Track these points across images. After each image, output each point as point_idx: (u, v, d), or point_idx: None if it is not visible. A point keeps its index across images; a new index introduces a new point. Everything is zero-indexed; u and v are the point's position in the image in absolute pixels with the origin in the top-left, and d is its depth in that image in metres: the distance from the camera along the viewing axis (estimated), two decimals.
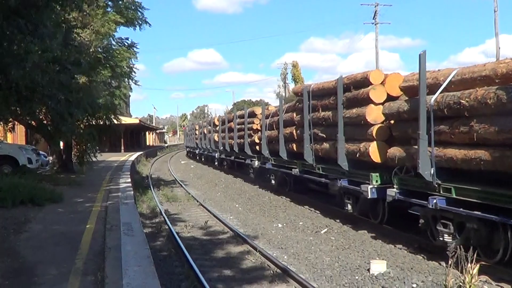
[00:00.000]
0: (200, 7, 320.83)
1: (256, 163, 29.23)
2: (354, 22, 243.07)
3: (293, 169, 22.38)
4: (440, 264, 11.82)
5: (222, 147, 40.24)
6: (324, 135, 18.60)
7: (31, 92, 16.86)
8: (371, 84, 15.55)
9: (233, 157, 37.28)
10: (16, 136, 38.58)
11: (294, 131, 21.77)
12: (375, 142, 15.14)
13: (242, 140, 32.79)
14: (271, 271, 11.94)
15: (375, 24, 57.98)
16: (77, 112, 21.09)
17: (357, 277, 11.45)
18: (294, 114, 21.78)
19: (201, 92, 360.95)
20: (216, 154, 43.76)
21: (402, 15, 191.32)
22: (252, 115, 31.21)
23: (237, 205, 23.10)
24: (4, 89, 15.75)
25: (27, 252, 10.75)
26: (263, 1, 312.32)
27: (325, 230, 16.60)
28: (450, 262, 10.09)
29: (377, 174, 15.03)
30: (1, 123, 23.61)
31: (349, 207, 17.08)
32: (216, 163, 45.13)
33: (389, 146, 14.61)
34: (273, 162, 26.00)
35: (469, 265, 9.81)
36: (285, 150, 23.23)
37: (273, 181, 26.56)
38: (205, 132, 50.44)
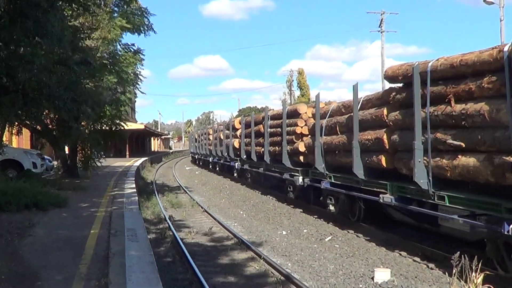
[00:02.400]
0: (206, 13, 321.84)
1: (301, 179, 22.00)
2: (360, 30, 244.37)
3: (381, 195, 14.89)
4: (444, 273, 11.78)
5: (245, 156, 33.71)
6: (462, 143, 11.47)
7: (39, 93, 16.87)
8: None
9: (261, 168, 29.57)
10: (21, 140, 38.64)
11: (385, 136, 14.84)
12: None
13: (277, 147, 25.46)
14: (275, 278, 11.90)
15: (381, 32, 57.90)
16: (84, 110, 21.06)
17: (361, 285, 11.42)
18: (385, 110, 15.00)
19: (207, 99, 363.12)
20: (236, 164, 36.58)
21: (408, 23, 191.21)
22: (294, 114, 23.67)
23: (241, 212, 23.05)
24: (11, 92, 15.76)
25: (31, 256, 10.76)
26: (269, 8, 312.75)
27: (330, 237, 16.57)
28: (454, 271, 10.05)
29: None
30: (6, 127, 23.58)
31: None
32: (235, 175, 38.52)
33: None
34: (333, 181, 18.68)
35: (473, 274, 9.77)
36: (361, 165, 16.32)
37: (331, 207, 19.40)
38: (221, 137, 43.36)
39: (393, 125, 14.61)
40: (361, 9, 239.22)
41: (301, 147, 22.27)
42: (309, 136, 21.67)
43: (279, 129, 25.18)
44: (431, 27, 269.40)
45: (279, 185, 27.19)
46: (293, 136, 23.12)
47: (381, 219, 16.90)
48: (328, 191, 19.34)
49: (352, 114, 16.86)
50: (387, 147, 14.83)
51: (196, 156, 68.45)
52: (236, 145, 36.91)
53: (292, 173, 23.33)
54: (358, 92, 16.90)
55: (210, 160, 51.99)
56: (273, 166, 27.12)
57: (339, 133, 18.25)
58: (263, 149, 28.27)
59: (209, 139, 53.00)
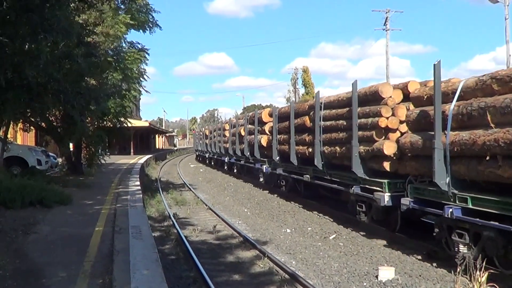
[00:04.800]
0: (211, 11, 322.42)
1: (387, 197, 15.19)
2: (365, 28, 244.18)
3: None
4: (448, 271, 11.76)
5: (277, 158, 26.46)
6: None
7: (44, 88, 16.90)
8: None
9: (306, 176, 22.15)
10: (26, 137, 38.70)
11: None
12: None
13: (337, 148, 18.62)
14: (280, 276, 11.89)
15: (386, 31, 57.79)
16: (90, 103, 21.04)
17: (365, 284, 11.41)
18: None
19: (211, 96, 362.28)
20: (264, 166, 29.46)
21: (413, 21, 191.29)
22: (372, 99, 16.83)
23: (245, 210, 23.03)
24: (16, 88, 15.77)
25: (36, 253, 10.77)
26: (274, 6, 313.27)
27: (334, 236, 16.55)
28: (458, 269, 10.08)
29: None
30: (11, 123, 23.59)
31: None
32: (261, 180, 31.45)
33: None
34: (472, 206, 11.58)
35: (477, 273, 9.77)
36: None
37: (462, 249, 11.91)
38: (242, 133, 35.97)
39: None
40: (366, 7, 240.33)
41: (388, 149, 15.42)
42: (400, 131, 15.63)
43: (342, 122, 18.20)
44: (436, 26, 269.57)
45: (333, 199, 21.57)
46: (373, 132, 16.05)
47: None
48: (461, 224, 12.00)
49: None
50: None
51: (207, 155, 59.02)
52: (264, 142, 29.69)
53: (369, 186, 16.49)
54: None
55: (226, 161, 43.97)
56: (329, 173, 19.84)
57: (492, 124, 11.11)
58: (310, 150, 21.07)
59: (224, 136, 44.77)
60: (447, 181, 12.23)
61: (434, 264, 12.56)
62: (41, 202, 16.92)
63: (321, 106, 19.94)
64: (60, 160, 34.14)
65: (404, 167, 14.68)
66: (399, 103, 15.96)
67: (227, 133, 43.36)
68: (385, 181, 15.41)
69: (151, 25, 30.97)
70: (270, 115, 29.19)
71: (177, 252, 14.34)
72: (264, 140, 29.76)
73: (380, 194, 15.30)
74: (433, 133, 12.48)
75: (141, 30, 31.10)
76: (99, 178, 28.83)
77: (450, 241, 12.16)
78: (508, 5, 37.74)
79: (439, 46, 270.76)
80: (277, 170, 26.59)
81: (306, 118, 21.79)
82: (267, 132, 29.44)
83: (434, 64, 12.54)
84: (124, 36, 30.26)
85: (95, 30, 25.04)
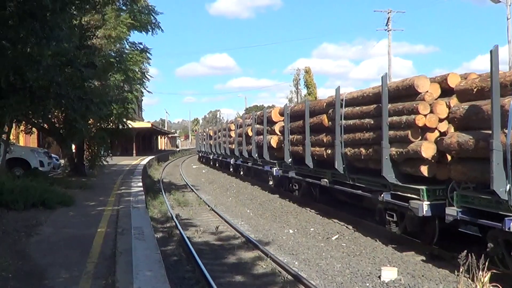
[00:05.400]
0: (213, 12, 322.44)
1: (425, 206, 13.29)
2: (367, 29, 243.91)
3: None
4: (451, 271, 11.74)
5: (290, 160, 24.28)
6: None
7: (46, 92, 16.94)
8: None
9: (324, 180, 20.22)
10: (28, 139, 38.74)
11: None
12: None
13: (362, 149, 16.63)
14: (282, 277, 11.90)
15: (388, 31, 57.78)
16: (90, 108, 21.08)
17: (368, 284, 11.41)
18: None
19: (213, 97, 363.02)
20: (274, 169, 27.46)
21: (415, 22, 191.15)
22: (406, 94, 14.75)
23: (248, 210, 23.02)
24: (18, 91, 15.82)
25: (38, 254, 10.79)
26: (276, 6, 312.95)
27: (336, 236, 16.54)
28: (461, 269, 10.04)
29: None
30: (14, 125, 23.63)
31: None
32: (270, 183, 29.77)
33: None
34: None
35: (480, 273, 9.76)
36: None
37: None
38: (249, 133, 33.68)
39: None
40: (368, 8, 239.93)
41: (427, 150, 13.49)
42: (439, 130, 13.73)
43: (368, 121, 16.27)
44: (438, 26, 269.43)
45: (355, 205, 19.74)
46: (408, 131, 14.06)
47: None
48: None
49: None
50: None
51: (211, 157, 57.09)
52: (274, 143, 27.85)
53: (402, 192, 14.52)
54: None
55: (232, 162, 42.12)
56: (351, 177, 17.96)
57: None
58: (329, 151, 19.21)
59: (230, 136, 42.56)
60: (507, 189, 10.45)
61: (437, 264, 12.55)
62: (43, 204, 16.96)
63: (341, 103, 17.95)
64: (62, 161, 34.17)
65: (445, 172, 13.09)
66: (437, 99, 13.99)
67: (233, 134, 41.23)
68: (423, 187, 13.47)
69: (153, 26, 31.02)
70: (281, 114, 27.26)
71: (179, 253, 14.34)
72: (274, 140, 27.97)
73: (418, 203, 13.37)
74: (489, 132, 10.73)
75: (143, 31, 31.15)
76: (101, 179, 28.85)
77: (510, 259, 10.82)
78: (510, 5, 37.70)
79: (441, 46, 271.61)
80: (289, 173, 24.67)
81: (324, 117, 19.85)
82: (277, 132, 27.73)
83: (491, 51, 10.80)
84: (126, 37, 30.33)
85: (97, 33, 25.08)
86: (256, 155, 31.63)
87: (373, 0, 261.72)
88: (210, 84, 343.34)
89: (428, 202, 13.23)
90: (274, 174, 27.49)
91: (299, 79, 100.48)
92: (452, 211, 12.12)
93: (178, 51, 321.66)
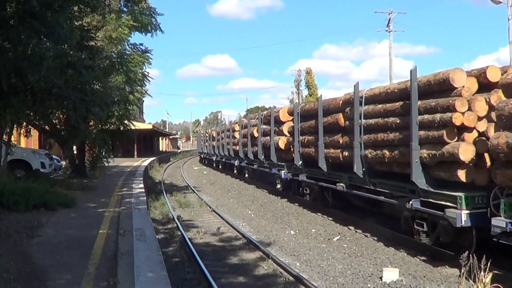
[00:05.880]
0: (214, 13, 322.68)
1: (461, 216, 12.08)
2: (368, 30, 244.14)
3: None
4: (453, 272, 11.74)
5: (300, 162, 22.64)
6: None
7: (47, 93, 16.97)
8: None
9: (341, 184, 18.61)
10: (30, 140, 38.75)
11: None
12: None
13: (386, 152, 15.19)
14: (284, 278, 11.90)
15: (389, 32, 57.78)
16: (92, 110, 21.10)
17: (369, 285, 11.41)
18: None
19: (215, 98, 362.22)
20: (282, 172, 25.88)
21: (416, 22, 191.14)
22: (438, 90, 13.38)
23: (249, 212, 23.01)
24: (19, 92, 15.84)
25: (40, 256, 10.79)
26: (277, 7, 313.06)
27: (338, 237, 16.53)
28: (463, 270, 10.05)
29: None
30: (15, 127, 23.63)
31: None
32: (278, 186, 28.06)
33: None
34: None
35: (481, 273, 9.76)
36: None
37: None
38: (255, 134, 31.84)
39: None
40: (369, 9, 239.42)
41: (465, 153, 12.16)
42: (478, 130, 12.49)
43: (394, 119, 14.82)
44: (439, 27, 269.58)
45: (374, 212, 18.48)
46: (443, 131, 12.66)
47: None
48: None
49: None
50: None
51: (214, 158, 54.34)
52: (282, 145, 26.02)
53: (434, 199, 13.13)
54: None
55: (236, 164, 40.27)
56: (372, 182, 16.40)
57: None
58: (346, 153, 17.89)
59: (234, 137, 40.89)
60: None
61: (438, 265, 12.54)
62: (45, 205, 16.96)
63: (361, 101, 16.54)
64: (63, 163, 34.16)
65: (485, 176, 12.08)
66: (474, 94, 12.70)
67: (237, 135, 39.36)
68: (461, 194, 12.01)
69: (154, 28, 31.06)
70: (290, 113, 25.43)
71: (181, 254, 14.32)
72: (282, 142, 26.04)
73: (455, 212, 11.97)
74: None
75: (144, 33, 31.19)
76: (102, 180, 28.87)
77: None
78: (510, 6, 37.69)
79: (442, 47, 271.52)
80: (299, 176, 22.99)
81: (340, 116, 18.34)
82: (286, 133, 25.95)
83: None
84: (127, 38, 30.34)
85: (97, 35, 25.11)
86: (263, 157, 29.91)
87: (374, 1, 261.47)
88: (211, 85, 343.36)
89: (467, 211, 11.83)
90: (283, 177, 25.93)
91: (300, 80, 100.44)
92: (500, 222, 10.82)
93: (179, 52, 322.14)
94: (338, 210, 20.00)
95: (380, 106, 15.61)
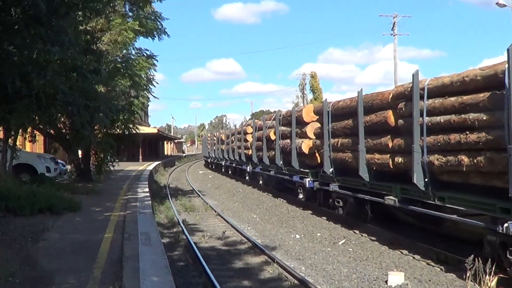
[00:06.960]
0: (219, 17, 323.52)
1: None
2: (373, 33, 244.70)
3: None
4: (458, 276, 11.71)
5: (331, 169, 19.49)
6: None
7: (52, 98, 17.00)
8: None
9: (392, 198, 15.10)
10: (35, 144, 38.82)
11: None
12: None
13: (464, 157, 11.60)
14: (289, 282, 11.88)
15: (394, 35, 57.80)
16: (97, 116, 21.12)
17: None
18: None
19: (220, 102, 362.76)
20: (307, 180, 22.43)
21: (421, 26, 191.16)
22: None
23: (254, 216, 22.99)
24: (24, 97, 15.88)
25: (45, 260, 10.79)
26: (282, 12, 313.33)
27: (343, 241, 16.50)
28: (468, 274, 10.03)
29: None
30: (20, 131, 23.66)
31: None
32: (300, 196, 24.04)
33: None
34: None
35: (487, 277, 9.74)
36: None
37: None
38: (271, 137, 28.81)
39: None
40: (374, 12, 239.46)
41: None
42: None
43: (475, 116, 11.15)
44: (444, 30, 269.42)
45: (434, 232, 15.60)
46: None
47: None
48: None
49: None
50: None
51: (223, 163, 51.18)
52: (305, 149, 22.84)
53: None
54: None
55: (248, 170, 36.81)
56: (438, 196, 13.04)
57: None
58: (399, 159, 14.47)
59: (246, 141, 37.45)
60: None
61: (444, 269, 12.50)
62: (50, 209, 16.96)
63: (422, 94, 13.10)
64: (69, 167, 34.18)
65: None
66: None
67: (249, 138, 36.16)
68: None
69: (159, 32, 31.10)
70: (317, 112, 21.90)
71: (186, 258, 14.31)
72: (305, 145, 22.77)
73: None
74: None
75: (149, 37, 31.24)
76: (108, 185, 28.87)
77: None
78: None
79: (447, 50, 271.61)
80: (330, 186, 19.61)
81: (389, 113, 15.02)
82: (311, 135, 22.55)
83: None
84: (133, 43, 30.40)
85: (102, 38, 25.16)
86: (281, 163, 26.44)
87: (379, 5, 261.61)
88: (216, 89, 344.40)
89: None
90: (307, 186, 22.34)
91: (305, 84, 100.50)
92: None
93: (184, 56, 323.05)
94: (380, 227, 17.07)
95: (453, 99, 12.02)
